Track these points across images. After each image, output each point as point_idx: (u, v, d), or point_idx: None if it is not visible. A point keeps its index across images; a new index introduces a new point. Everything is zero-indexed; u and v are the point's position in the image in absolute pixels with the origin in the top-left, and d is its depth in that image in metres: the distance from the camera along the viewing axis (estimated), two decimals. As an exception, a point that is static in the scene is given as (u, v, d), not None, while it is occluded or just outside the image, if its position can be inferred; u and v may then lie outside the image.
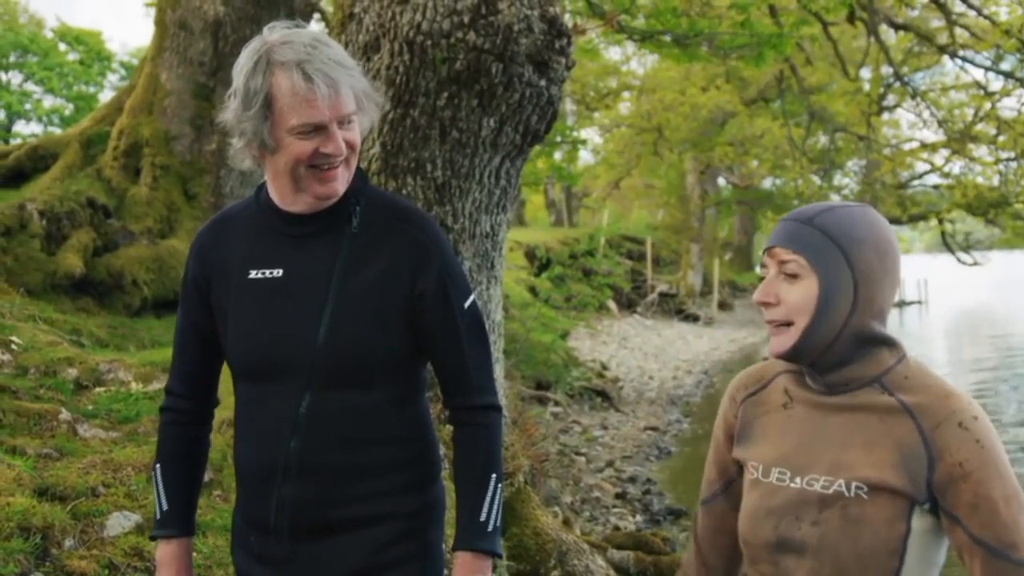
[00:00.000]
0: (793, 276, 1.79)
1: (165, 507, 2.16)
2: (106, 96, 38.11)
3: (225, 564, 3.72)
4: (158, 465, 2.18)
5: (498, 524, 2.07)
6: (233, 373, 2.14)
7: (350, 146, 2.00)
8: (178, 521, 2.16)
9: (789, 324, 1.80)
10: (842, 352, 1.80)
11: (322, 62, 1.94)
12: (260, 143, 1.98)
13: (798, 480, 1.81)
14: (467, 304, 2.11)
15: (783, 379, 1.94)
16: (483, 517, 2.05)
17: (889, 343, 1.82)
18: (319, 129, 1.95)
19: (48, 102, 39.26)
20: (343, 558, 2.03)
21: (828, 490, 1.78)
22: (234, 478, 2.18)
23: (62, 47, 39.42)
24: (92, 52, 39.68)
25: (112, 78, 41.35)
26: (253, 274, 2.07)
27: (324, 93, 1.92)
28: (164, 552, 2.14)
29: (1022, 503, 1.71)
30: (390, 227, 2.08)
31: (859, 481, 1.75)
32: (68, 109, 38.90)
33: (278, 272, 2.05)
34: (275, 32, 1.98)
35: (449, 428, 2.19)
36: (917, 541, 1.76)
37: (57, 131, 34.30)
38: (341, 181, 2.02)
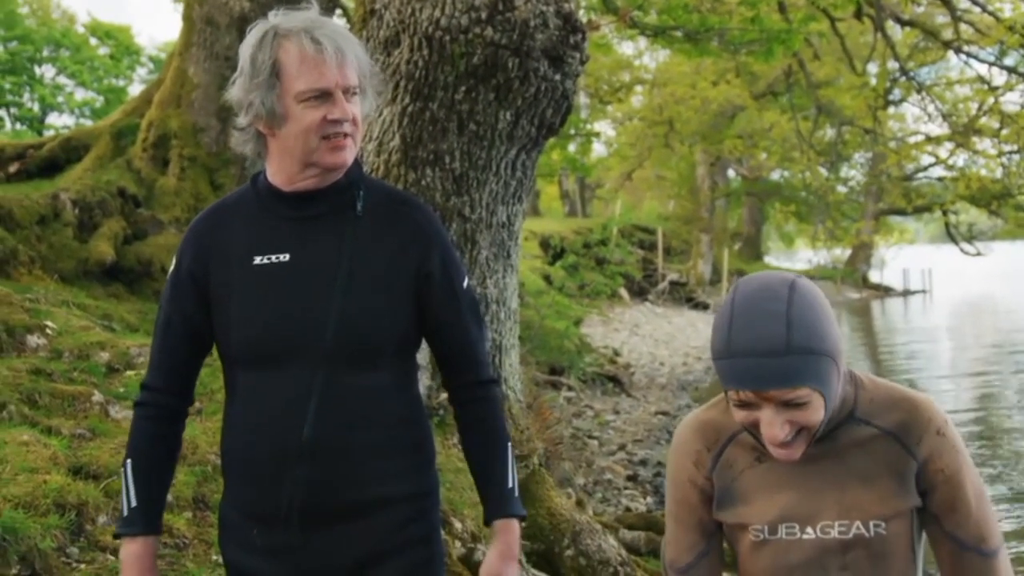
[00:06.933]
0: (802, 405, 1.71)
1: (134, 504, 2.06)
2: (135, 89, 38.32)
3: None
4: (129, 461, 2.08)
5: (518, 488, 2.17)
6: (229, 361, 2.10)
7: (353, 121, 2.02)
8: (145, 520, 2.06)
9: (799, 432, 1.75)
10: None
11: (329, 29, 2.00)
12: (268, 112, 1.98)
13: (809, 531, 1.84)
14: (466, 285, 2.16)
15: (744, 437, 1.89)
16: (510, 484, 2.12)
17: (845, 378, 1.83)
18: (326, 95, 1.97)
19: (80, 95, 39.29)
20: (355, 542, 2.02)
21: (847, 535, 1.82)
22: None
23: (93, 42, 39.50)
24: (122, 47, 39.75)
25: (141, 72, 41.35)
26: (258, 260, 2.04)
27: (332, 57, 1.96)
28: (128, 551, 2.05)
29: (987, 498, 1.84)
30: (394, 212, 2.12)
31: (875, 519, 1.81)
32: (99, 102, 38.89)
33: (285, 257, 2.03)
34: (278, 15, 2.03)
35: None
36: (920, 541, 1.89)
37: (88, 123, 34.46)
38: (350, 151, 2.03)
